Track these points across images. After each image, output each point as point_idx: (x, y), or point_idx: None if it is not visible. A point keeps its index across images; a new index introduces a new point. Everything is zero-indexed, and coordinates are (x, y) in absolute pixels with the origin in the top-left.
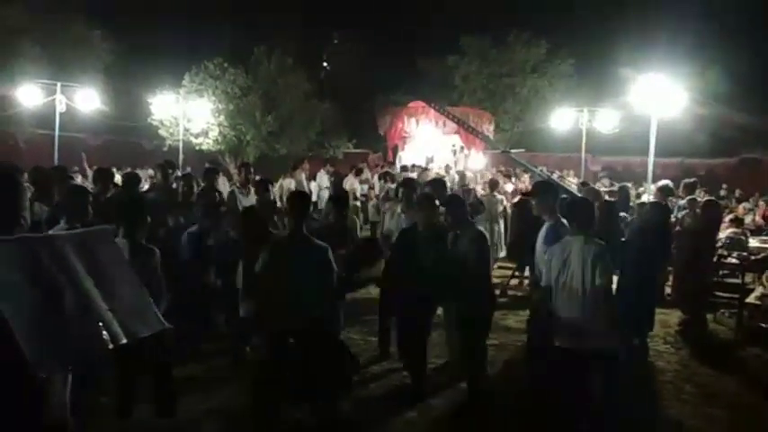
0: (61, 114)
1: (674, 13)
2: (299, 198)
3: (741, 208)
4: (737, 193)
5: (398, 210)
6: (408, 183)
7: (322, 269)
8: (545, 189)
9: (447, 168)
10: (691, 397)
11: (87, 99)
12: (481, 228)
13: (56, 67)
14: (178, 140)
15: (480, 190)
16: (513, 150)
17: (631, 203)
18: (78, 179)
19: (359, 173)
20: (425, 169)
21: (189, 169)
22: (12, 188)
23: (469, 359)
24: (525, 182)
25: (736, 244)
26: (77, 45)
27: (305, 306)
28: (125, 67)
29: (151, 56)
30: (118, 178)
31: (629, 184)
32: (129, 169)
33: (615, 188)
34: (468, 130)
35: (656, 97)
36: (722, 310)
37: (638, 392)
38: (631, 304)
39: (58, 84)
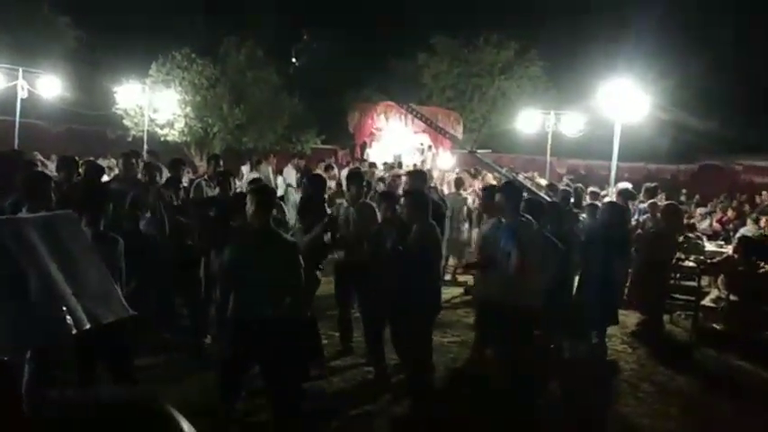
0: (22, 101)
1: (639, 19)
2: (264, 193)
3: (698, 213)
4: (696, 198)
5: (344, 203)
6: (354, 175)
7: (289, 265)
8: (510, 189)
9: (414, 167)
10: (647, 395)
11: (50, 86)
12: (433, 224)
13: (18, 52)
14: (143, 131)
15: (446, 189)
16: (479, 151)
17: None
18: (40, 167)
19: (327, 169)
20: (392, 167)
21: (147, 156)
22: None
23: (412, 353)
24: (489, 182)
25: (693, 248)
26: (42, 30)
27: (268, 301)
28: (90, 54)
29: (117, 44)
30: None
31: (581, 186)
32: (91, 158)
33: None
34: (436, 130)
35: (621, 102)
36: (678, 312)
37: (596, 390)
38: (592, 303)
39: (20, 69)
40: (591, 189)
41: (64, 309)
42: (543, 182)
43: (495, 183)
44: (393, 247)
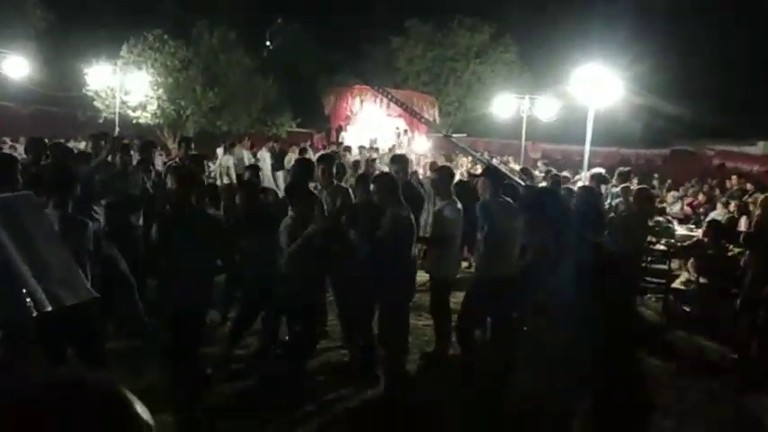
0: None
1: (613, 3)
2: (187, 175)
3: (669, 196)
4: (668, 182)
5: (318, 186)
6: (325, 158)
7: (213, 244)
8: (493, 173)
9: (390, 150)
10: None
11: (17, 66)
12: (405, 206)
13: None
14: (114, 113)
15: (421, 172)
16: (454, 135)
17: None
18: (6, 148)
19: (302, 153)
20: (367, 150)
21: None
22: None
23: (388, 337)
24: (463, 166)
25: (664, 231)
26: (8, 10)
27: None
28: (60, 34)
29: (88, 24)
30: None
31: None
32: (61, 141)
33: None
34: (411, 114)
35: (594, 86)
36: (649, 295)
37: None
38: None
39: None
40: (564, 173)
41: (24, 291)
42: (516, 167)
43: (469, 167)
44: (366, 232)
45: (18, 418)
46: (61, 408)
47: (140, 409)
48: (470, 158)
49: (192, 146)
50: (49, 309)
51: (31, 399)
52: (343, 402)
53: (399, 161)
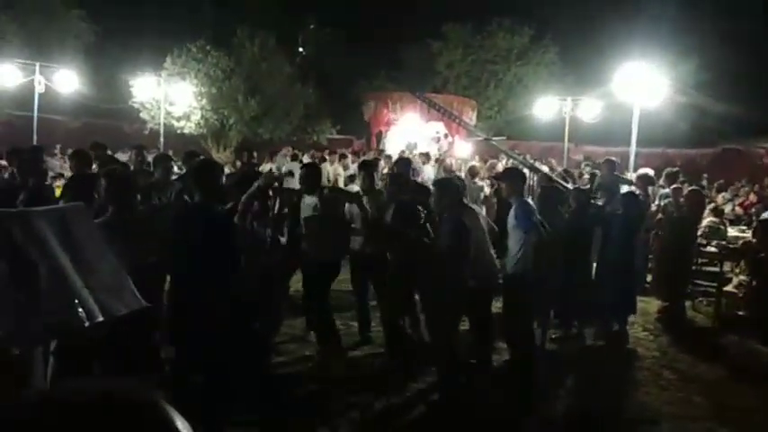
0: (40, 96)
1: (656, 1)
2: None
3: (720, 197)
4: (716, 183)
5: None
6: (366, 165)
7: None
8: (512, 173)
9: (427, 156)
10: (669, 383)
11: (66, 80)
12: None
13: (34, 48)
14: (159, 124)
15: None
16: (495, 138)
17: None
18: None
19: (342, 158)
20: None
21: (171, 152)
22: None
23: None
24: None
25: (715, 233)
26: (57, 25)
27: None
28: (106, 48)
29: (132, 37)
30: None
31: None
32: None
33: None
34: (450, 119)
35: (639, 86)
36: (700, 299)
37: (618, 378)
38: (611, 291)
39: (37, 64)
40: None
41: (75, 301)
42: (559, 169)
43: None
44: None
45: (44, 428)
46: (89, 419)
47: (180, 423)
48: (510, 161)
49: (255, 155)
50: (101, 319)
51: (61, 411)
52: (389, 411)
53: (404, 162)
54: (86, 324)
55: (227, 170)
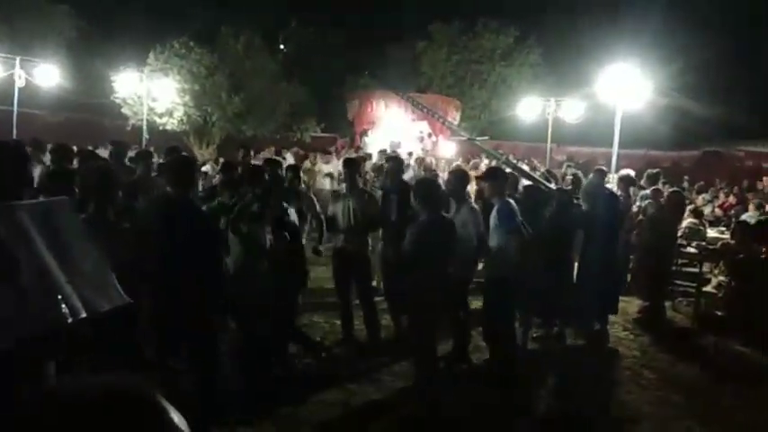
0: (20, 90)
1: (640, 2)
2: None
3: (700, 199)
4: (696, 185)
5: (343, 190)
6: (350, 164)
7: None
8: (495, 174)
9: (410, 155)
10: (649, 382)
11: (47, 75)
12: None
13: (15, 41)
14: (141, 120)
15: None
16: (478, 138)
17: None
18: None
19: (327, 153)
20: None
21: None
22: None
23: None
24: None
25: (695, 234)
26: (39, 19)
27: None
28: (88, 43)
29: (116, 33)
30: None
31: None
32: (90, 147)
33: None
34: (434, 118)
35: (621, 88)
36: (680, 299)
37: (599, 377)
38: (592, 291)
39: (17, 58)
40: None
41: (59, 297)
42: (542, 169)
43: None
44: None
45: (45, 427)
46: (89, 416)
47: (176, 417)
48: (493, 161)
49: (252, 153)
50: (84, 316)
51: (58, 407)
52: (373, 411)
53: (398, 162)
54: (69, 320)
55: (209, 167)
